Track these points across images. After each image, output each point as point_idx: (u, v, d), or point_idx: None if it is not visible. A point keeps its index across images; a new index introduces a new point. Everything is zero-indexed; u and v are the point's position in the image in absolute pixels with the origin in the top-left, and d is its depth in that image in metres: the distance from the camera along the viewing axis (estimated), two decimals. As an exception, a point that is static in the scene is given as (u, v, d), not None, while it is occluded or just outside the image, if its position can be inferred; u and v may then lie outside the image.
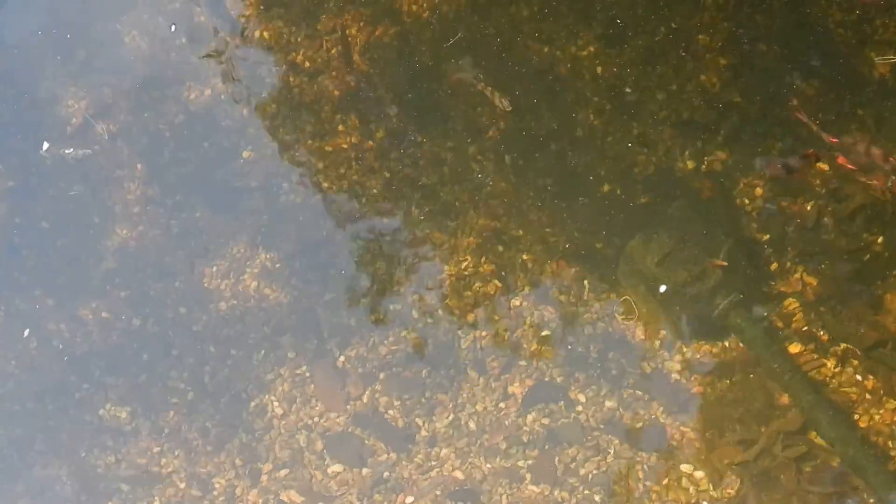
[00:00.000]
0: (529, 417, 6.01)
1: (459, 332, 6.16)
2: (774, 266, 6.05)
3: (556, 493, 5.84)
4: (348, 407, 6.12)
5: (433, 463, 5.97)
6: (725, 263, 5.90)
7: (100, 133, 6.70)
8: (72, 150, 6.66)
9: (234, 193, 6.57)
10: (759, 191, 6.15)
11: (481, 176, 6.40)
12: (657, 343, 6.05)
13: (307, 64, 6.77)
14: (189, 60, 6.90)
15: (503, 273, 6.24)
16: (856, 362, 5.86)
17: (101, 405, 6.23)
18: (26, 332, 6.39)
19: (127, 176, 6.69)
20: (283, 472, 6.03)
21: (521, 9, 6.64)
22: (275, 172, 6.58)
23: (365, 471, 6.00)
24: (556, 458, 5.91)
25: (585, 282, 6.19)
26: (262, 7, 6.96)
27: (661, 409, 5.94)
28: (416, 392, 6.10)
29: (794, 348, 5.90)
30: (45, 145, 6.66)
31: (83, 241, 6.57)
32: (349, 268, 6.35)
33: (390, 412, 6.09)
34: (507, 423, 6.00)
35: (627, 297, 6.11)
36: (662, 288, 5.91)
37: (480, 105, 6.51)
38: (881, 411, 5.77)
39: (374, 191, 6.46)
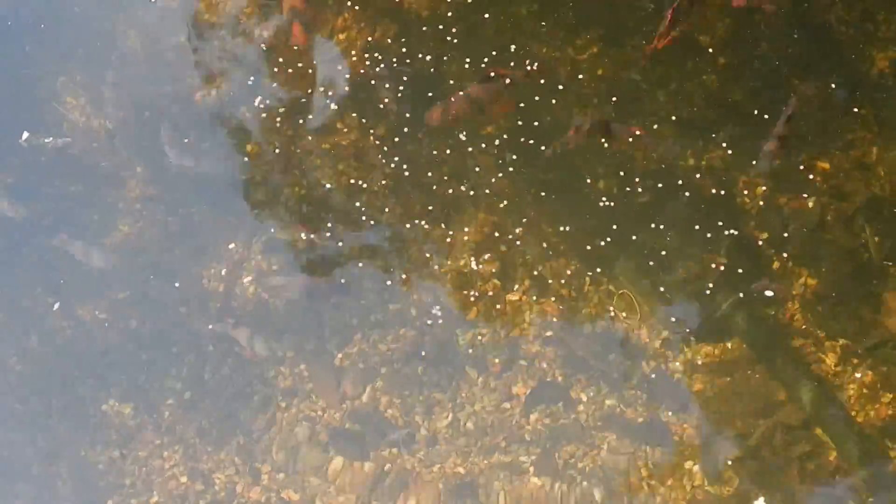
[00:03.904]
0: (531, 416, 6.03)
1: (459, 331, 6.17)
2: (775, 265, 6.04)
3: (556, 488, 5.86)
4: (346, 405, 6.15)
5: (434, 459, 6.00)
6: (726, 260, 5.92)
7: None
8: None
9: (235, 192, 6.59)
10: (759, 189, 6.13)
11: (481, 174, 6.40)
12: (658, 342, 6.05)
13: (308, 62, 6.78)
14: (190, 60, 6.91)
15: (503, 271, 6.25)
16: (856, 360, 5.86)
17: (102, 402, 6.28)
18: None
19: (127, 174, 6.71)
20: (283, 470, 6.09)
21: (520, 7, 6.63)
22: (275, 170, 6.60)
23: (367, 465, 6.04)
24: (557, 455, 5.92)
25: (586, 279, 6.19)
26: (263, 8, 6.97)
27: (662, 406, 5.95)
28: (415, 390, 6.13)
29: (796, 345, 5.90)
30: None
31: (83, 239, 6.60)
32: (349, 266, 6.37)
33: (390, 410, 6.12)
34: (508, 421, 6.02)
35: (629, 295, 6.11)
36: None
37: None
38: (879, 408, 5.78)
39: (375, 189, 6.47)
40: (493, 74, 6.16)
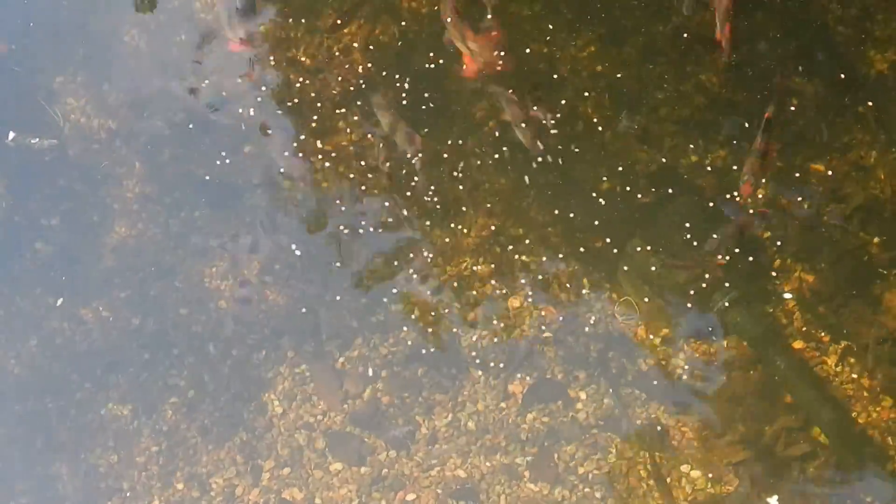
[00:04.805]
0: (529, 416, 6.02)
1: (459, 332, 6.16)
2: (775, 264, 6.05)
3: (556, 491, 5.86)
4: (347, 405, 6.14)
5: (433, 461, 5.99)
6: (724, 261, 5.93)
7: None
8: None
9: (235, 192, 6.57)
10: (759, 190, 6.14)
11: (481, 174, 6.39)
12: (657, 341, 6.05)
13: (308, 61, 6.76)
14: (189, 59, 6.89)
15: (502, 272, 6.24)
16: (854, 360, 5.86)
17: (102, 404, 6.25)
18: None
19: (126, 174, 6.69)
20: (284, 471, 6.06)
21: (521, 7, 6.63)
22: (275, 170, 6.58)
23: (364, 469, 6.02)
24: (556, 456, 5.92)
25: (585, 280, 6.19)
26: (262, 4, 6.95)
27: (661, 408, 5.95)
28: (415, 391, 6.11)
29: (795, 345, 5.92)
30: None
31: (83, 239, 6.58)
32: (349, 267, 6.35)
33: (391, 410, 6.11)
34: (507, 421, 6.01)
35: (628, 297, 6.11)
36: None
37: (479, 103, 6.52)
38: (879, 408, 5.79)
39: (375, 190, 6.46)
40: None
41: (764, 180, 6.01)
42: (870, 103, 6.16)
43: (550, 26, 6.54)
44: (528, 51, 6.47)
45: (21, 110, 6.82)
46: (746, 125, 6.22)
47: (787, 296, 6.00)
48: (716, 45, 6.22)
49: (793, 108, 6.22)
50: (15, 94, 6.89)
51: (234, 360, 6.25)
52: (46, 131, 6.73)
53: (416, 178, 6.40)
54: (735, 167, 6.14)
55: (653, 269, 6.05)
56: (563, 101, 6.42)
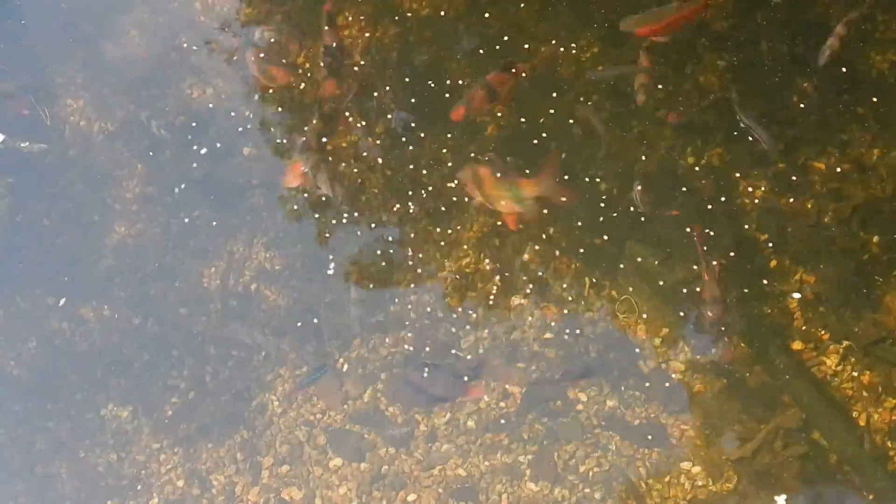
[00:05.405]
0: (529, 416, 6.02)
1: (459, 333, 6.16)
2: (774, 265, 6.05)
3: (556, 491, 5.85)
4: (347, 405, 6.14)
5: (434, 458, 5.99)
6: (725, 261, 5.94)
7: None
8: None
9: (235, 192, 6.58)
10: (759, 189, 6.14)
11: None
12: (657, 341, 6.05)
13: (307, 62, 6.78)
14: (190, 59, 6.90)
15: (503, 272, 6.24)
16: (855, 359, 5.86)
17: (102, 404, 6.26)
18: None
19: (126, 174, 6.70)
20: (283, 468, 6.07)
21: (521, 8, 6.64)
22: (275, 171, 6.59)
23: (364, 465, 6.02)
24: (556, 456, 5.91)
25: (587, 280, 6.19)
26: (263, 6, 6.97)
27: (662, 407, 5.94)
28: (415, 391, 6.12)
29: (795, 346, 5.91)
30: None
31: (83, 239, 6.59)
32: (349, 267, 6.36)
33: (391, 409, 6.11)
34: (506, 421, 6.01)
35: (628, 296, 6.11)
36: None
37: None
38: (879, 409, 5.78)
39: (375, 189, 6.47)
40: (513, 69, 6.18)
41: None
42: (874, 99, 6.17)
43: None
44: (526, 46, 6.49)
45: (12, 112, 6.83)
46: (750, 134, 6.23)
47: (793, 295, 6.00)
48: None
49: (799, 107, 6.23)
50: (6, 95, 6.91)
51: (235, 360, 6.26)
52: (37, 135, 6.74)
53: (419, 178, 6.42)
54: (738, 175, 6.15)
55: (652, 268, 6.06)
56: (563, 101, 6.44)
